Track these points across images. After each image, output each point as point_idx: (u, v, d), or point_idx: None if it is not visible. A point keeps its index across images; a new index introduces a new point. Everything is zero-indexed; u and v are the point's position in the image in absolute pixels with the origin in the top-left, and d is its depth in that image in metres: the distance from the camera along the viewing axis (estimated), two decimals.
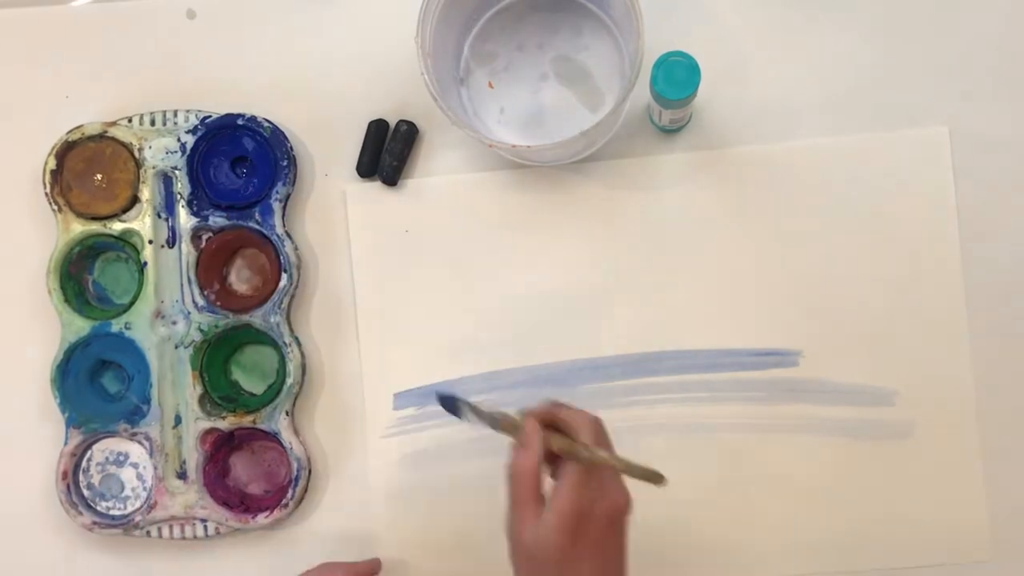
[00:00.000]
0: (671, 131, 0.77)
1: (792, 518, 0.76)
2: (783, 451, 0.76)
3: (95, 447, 0.79)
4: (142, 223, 0.78)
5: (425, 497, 0.77)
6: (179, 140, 0.77)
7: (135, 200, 0.78)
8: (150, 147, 0.77)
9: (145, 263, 0.77)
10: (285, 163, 0.77)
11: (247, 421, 0.77)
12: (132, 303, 0.77)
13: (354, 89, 0.79)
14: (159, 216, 0.78)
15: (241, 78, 0.79)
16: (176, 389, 0.77)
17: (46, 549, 0.80)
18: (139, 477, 0.79)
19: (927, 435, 0.76)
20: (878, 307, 0.76)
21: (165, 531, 0.77)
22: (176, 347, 0.77)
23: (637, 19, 0.68)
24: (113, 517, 0.78)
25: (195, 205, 0.77)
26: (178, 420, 0.77)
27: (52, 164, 0.78)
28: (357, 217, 0.79)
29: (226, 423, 0.77)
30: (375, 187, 0.79)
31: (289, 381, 0.76)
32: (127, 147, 0.78)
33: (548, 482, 0.60)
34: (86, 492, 0.78)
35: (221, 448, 0.78)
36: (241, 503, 0.78)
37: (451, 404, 0.64)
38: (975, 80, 0.77)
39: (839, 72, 0.77)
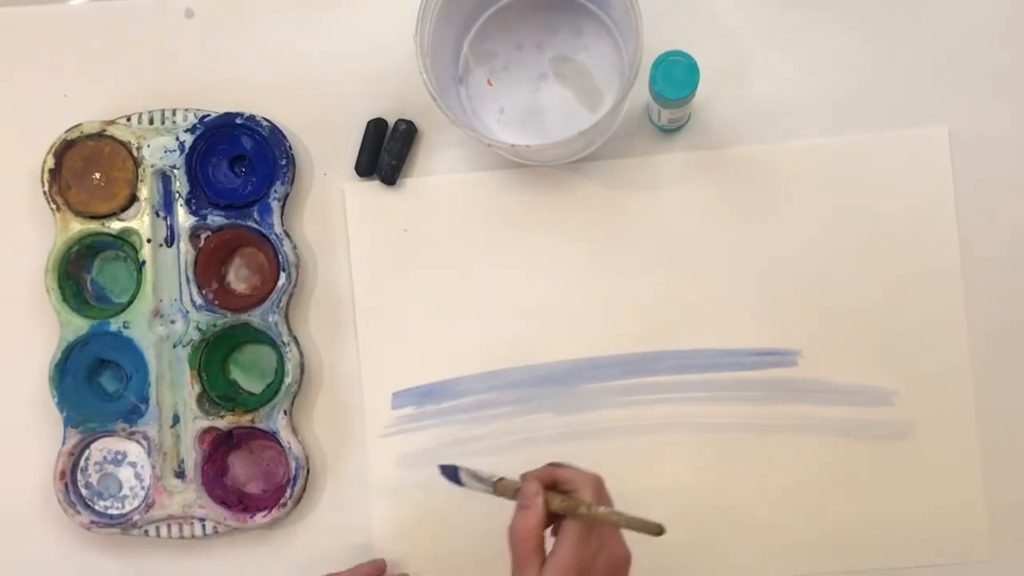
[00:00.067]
0: (670, 131, 0.77)
1: (791, 518, 0.76)
2: (782, 451, 0.76)
3: (93, 446, 0.78)
4: (140, 222, 0.77)
5: (423, 496, 0.77)
6: (178, 139, 0.77)
7: (133, 199, 0.78)
8: (148, 146, 0.77)
9: (143, 262, 0.77)
10: (284, 162, 0.77)
11: (245, 420, 0.77)
12: (130, 302, 0.77)
13: (353, 88, 0.79)
14: (157, 215, 0.78)
15: (240, 77, 0.79)
16: (174, 388, 0.77)
17: (44, 548, 0.80)
18: (137, 476, 0.78)
19: (926, 435, 0.76)
20: (877, 307, 0.76)
21: (163, 530, 0.77)
22: (174, 346, 0.77)
23: (636, 19, 0.68)
24: (111, 516, 0.78)
25: (193, 204, 0.77)
26: (176, 419, 0.77)
27: (51, 163, 0.78)
28: (356, 216, 0.79)
29: (224, 422, 0.77)
30: (374, 186, 0.79)
31: (287, 380, 0.76)
32: (126, 146, 0.78)
33: (551, 540, 0.62)
34: (84, 491, 0.78)
35: (219, 447, 0.78)
36: (239, 502, 0.78)
37: (452, 473, 0.67)
38: (975, 80, 0.77)
39: (839, 72, 0.77)
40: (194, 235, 0.77)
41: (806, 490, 0.76)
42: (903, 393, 0.76)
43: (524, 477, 0.64)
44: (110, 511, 0.78)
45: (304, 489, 0.77)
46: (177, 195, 0.77)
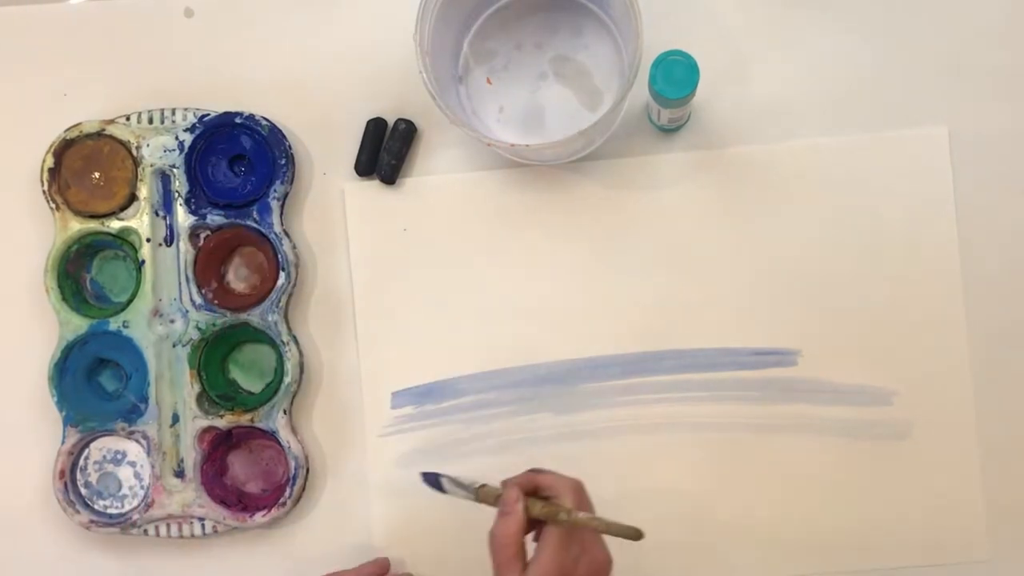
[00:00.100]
0: (670, 130, 0.77)
1: (790, 518, 0.76)
2: (781, 451, 0.76)
3: (92, 445, 0.78)
4: (140, 221, 0.77)
5: (423, 495, 0.77)
6: (177, 138, 0.77)
7: (133, 198, 0.78)
8: (148, 145, 0.77)
9: (143, 261, 0.77)
10: (283, 161, 0.77)
11: (245, 420, 0.77)
12: (130, 301, 0.77)
13: (352, 87, 0.79)
14: (157, 214, 0.78)
15: (239, 76, 0.79)
16: (174, 387, 0.77)
17: (43, 548, 0.80)
18: (136, 476, 0.78)
19: (925, 435, 0.76)
20: (877, 307, 0.76)
21: (162, 530, 0.77)
22: (174, 345, 0.77)
23: (636, 18, 0.68)
24: (110, 516, 0.78)
25: (193, 203, 0.77)
26: (176, 418, 0.77)
27: (50, 162, 0.78)
28: (355, 216, 0.79)
29: (224, 422, 0.77)
30: (373, 186, 0.79)
31: (287, 380, 0.76)
32: (125, 145, 0.78)
33: (534, 546, 0.63)
34: (83, 491, 0.78)
35: (219, 447, 0.78)
36: (239, 502, 0.78)
37: (434, 480, 0.68)
38: (975, 80, 0.76)
39: (839, 72, 0.77)
40: (193, 234, 0.77)
41: (805, 490, 0.76)
42: (902, 393, 0.76)
43: (505, 484, 0.65)
44: (109, 510, 0.78)
45: (303, 488, 0.77)
46: (176, 194, 0.77)
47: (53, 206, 0.78)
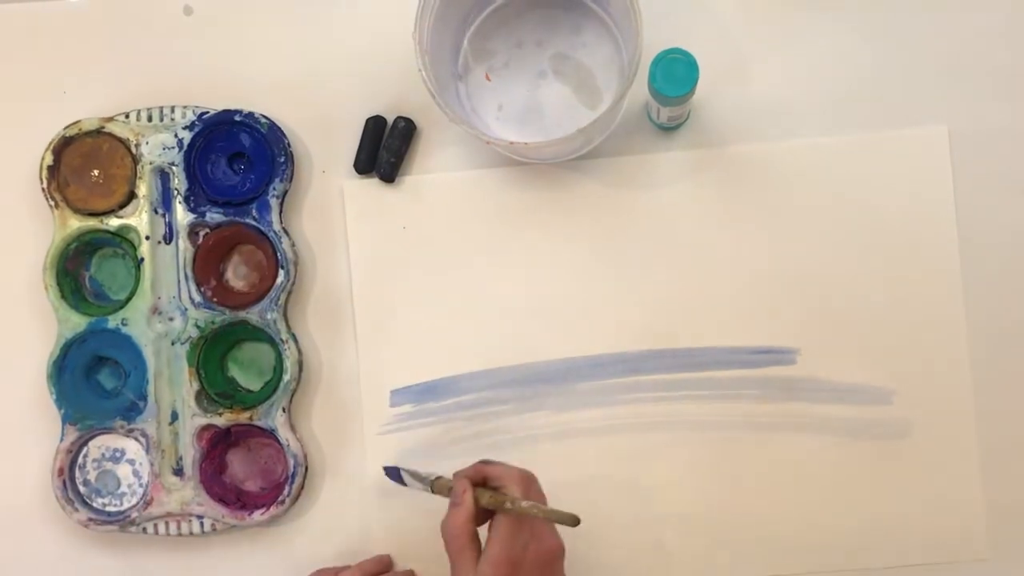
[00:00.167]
0: (669, 129, 0.77)
1: (789, 517, 0.76)
2: (780, 449, 0.76)
3: (91, 443, 0.78)
4: (139, 219, 0.77)
5: (422, 494, 0.77)
6: (176, 136, 0.77)
7: (132, 196, 0.78)
8: (147, 143, 0.77)
9: (142, 259, 0.77)
10: (282, 159, 0.77)
11: (244, 418, 0.77)
12: (129, 299, 0.77)
13: (352, 85, 0.79)
14: (156, 212, 0.78)
15: (238, 74, 0.79)
16: (173, 385, 0.77)
17: (42, 546, 0.79)
18: (135, 474, 0.78)
19: (925, 434, 0.76)
20: (876, 306, 0.76)
21: (161, 528, 0.77)
22: (173, 343, 0.77)
23: (636, 17, 0.67)
24: (109, 514, 0.78)
25: (192, 201, 0.77)
26: (175, 416, 0.77)
27: (49, 160, 0.78)
28: (355, 214, 0.79)
29: (223, 420, 0.77)
30: (373, 184, 0.79)
31: (286, 378, 0.76)
32: (124, 143, 0.78)
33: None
34: (82, 488, 0.78)
35: (218, 445, 0.78)
36: (237, 500, 0.78)
37: (395, 474, 0.73)
38: (975, 80, 0.76)
39: (839, 72, 0.77)
40: (193, 232, 0.77)
41: (804, 488, 0.76)
42: (902, 392, 0.76)
43: (456, 476, 0.67)
44: (108, 508, 0.78)
45: (302, 487, 0.77)
46: (176, 192, 0.77)
47: (52, 204, 0.78)
